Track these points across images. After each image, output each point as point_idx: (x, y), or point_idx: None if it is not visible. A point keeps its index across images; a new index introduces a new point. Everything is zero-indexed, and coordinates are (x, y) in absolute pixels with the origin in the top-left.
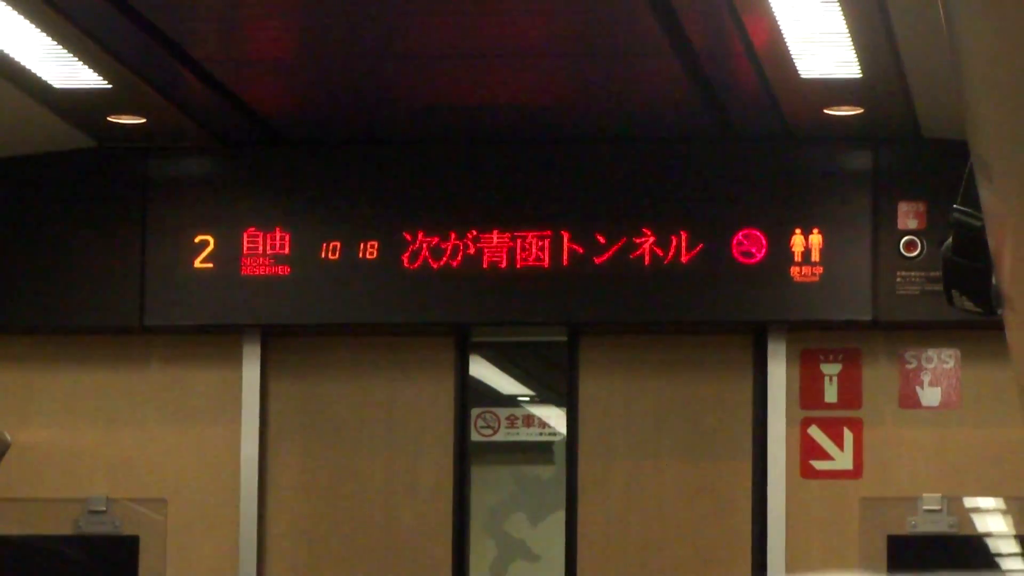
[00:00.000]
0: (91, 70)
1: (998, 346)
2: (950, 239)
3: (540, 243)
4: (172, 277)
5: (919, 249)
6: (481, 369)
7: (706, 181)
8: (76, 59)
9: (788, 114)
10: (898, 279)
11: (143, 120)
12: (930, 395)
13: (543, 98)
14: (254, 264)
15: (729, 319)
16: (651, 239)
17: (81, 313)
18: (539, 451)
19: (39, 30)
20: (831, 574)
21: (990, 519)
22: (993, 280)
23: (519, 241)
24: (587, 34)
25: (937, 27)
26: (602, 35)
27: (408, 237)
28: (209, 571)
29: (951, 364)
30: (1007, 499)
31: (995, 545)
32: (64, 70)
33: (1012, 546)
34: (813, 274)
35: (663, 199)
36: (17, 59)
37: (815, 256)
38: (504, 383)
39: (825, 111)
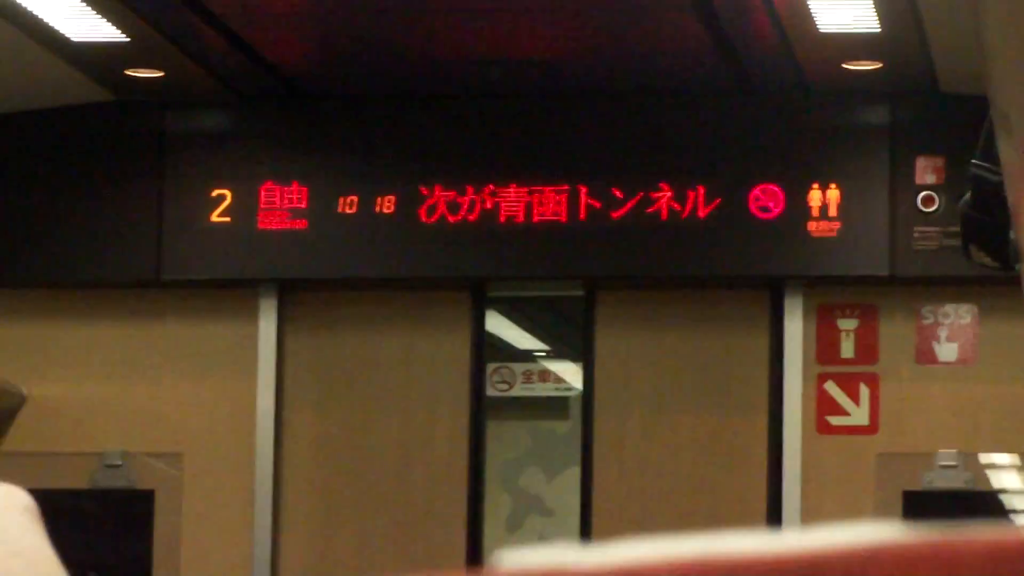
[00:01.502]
0: (109, 23)
1: (1016, 302)
2: (968, 194)
3: (557, 197)
4: (189, 231)
5: (937, 204)
6: (497, 324)
7: (723, 136)
8: (94, 12)
9: (806, 68)
10: (915, 234)
11: (161, 74)
12: (947, 351)
13: (560, 52)
14: (271, 218)
15: (746, 274)
16: (668, 194)
17: (98, 267)
18: (555, 407)
19: None
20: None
21: (1006, 475)
22: (1011, 235)
23: (536, 196)
24: None
25: None
26: None
27: (425, 191)
28: (224, 525)
29: (968, 319)
30: (1023, 455)
31: (1010, 501)
32: (82, 23)
33: None
34: (830, 229)
35: (680, 154)
36: (35, 12)
37: (832, 211)
38: (520, 338)
39: (843, 65)
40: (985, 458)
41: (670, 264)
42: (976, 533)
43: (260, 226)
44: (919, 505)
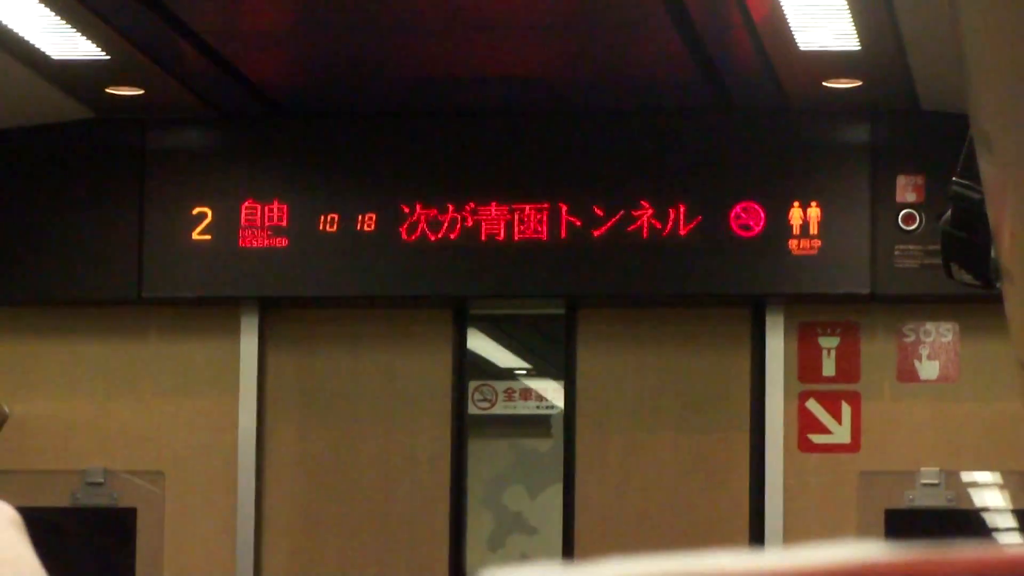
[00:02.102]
0: (89, 41)
1: (996, 319)
2: (949, 212)
3: (538, 216)
4: (170, 249)
5: (918, 222)
6: (479, 342)
7: (705, 154)
8: (74, 30)
9: (787, 87)
10: (896, 252)
11: (141, 91)
12: (928, 369)
13: (542, 70)
14: (252, 236)
15: (727, 292)
16: (649, 212)
17: (79, 285)
18: (536, 424)
19: (37, 1)
20: (829, 545)
21: (987, 493)
22: (992, 253)
23: (517, 213)
24: (586, 6)
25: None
26: (601, 7)
27: (406, 209)
28: (206, 543)
29: (949, 337)
30: (1004, 473)
31: (992, 519)
32: (62, 41)
33: (1009, 520)
34: (811, 247)
35: (661, 172)
36: (15, 30)
37: (813, 229)
38: (502, 356)
39: (824, 84)
40: (967, 476)
41: (651, 282)
42: (958, 551)
43: (241, 244)
44: (901, 523)
